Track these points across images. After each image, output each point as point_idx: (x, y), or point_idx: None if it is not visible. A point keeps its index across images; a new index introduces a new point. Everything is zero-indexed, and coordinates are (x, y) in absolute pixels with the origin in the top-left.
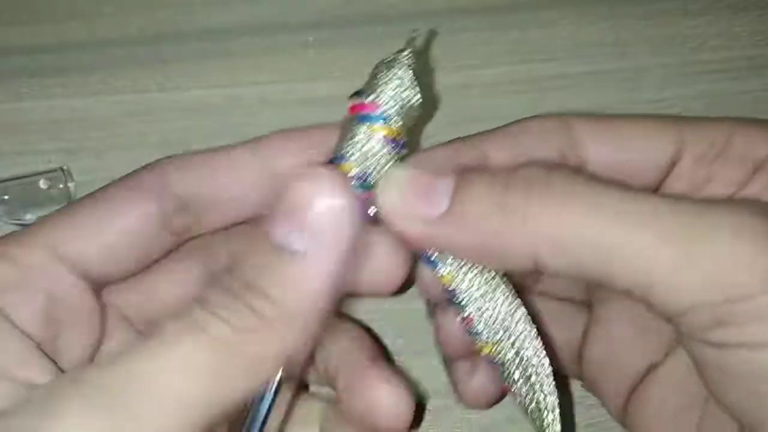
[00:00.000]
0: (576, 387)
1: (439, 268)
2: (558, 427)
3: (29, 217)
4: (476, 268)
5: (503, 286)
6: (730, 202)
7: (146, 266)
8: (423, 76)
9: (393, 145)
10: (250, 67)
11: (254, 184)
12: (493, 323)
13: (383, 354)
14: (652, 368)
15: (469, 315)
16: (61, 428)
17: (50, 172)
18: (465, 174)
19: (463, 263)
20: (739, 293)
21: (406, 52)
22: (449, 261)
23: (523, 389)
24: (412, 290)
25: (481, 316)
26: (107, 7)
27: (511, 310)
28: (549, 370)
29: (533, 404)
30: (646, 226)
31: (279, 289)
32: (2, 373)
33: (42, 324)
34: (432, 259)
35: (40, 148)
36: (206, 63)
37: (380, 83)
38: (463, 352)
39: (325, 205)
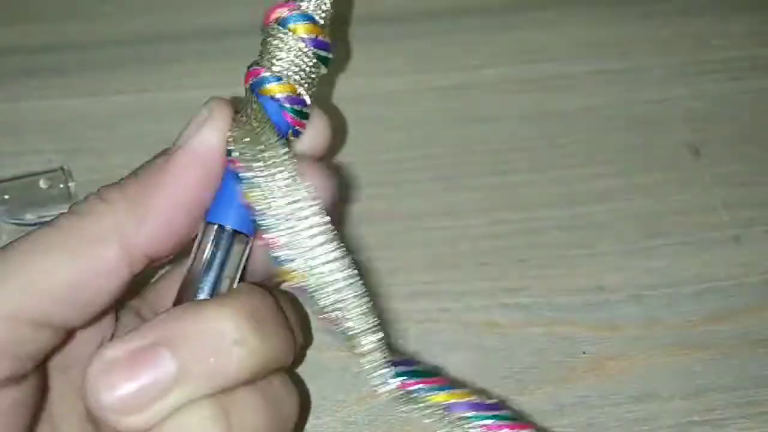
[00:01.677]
0: (577, 386)
1: (244, 185)
2: (377, 355)
3: (29, 217)
4: (286, 187)
5: (311, 209)
6: None
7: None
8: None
9: (290, 102)
10: None
11: None
12: (299, 248)
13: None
14: None
15: (272, 238)
16: None
17: (50, 172)
18: None
19: (271, 182)
20: None
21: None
22: (256, 177)
23: (337, 315)
24: None
25: (286, 240)
26: (107, 7)
27: (318, 238)
28: (363, 295)
29: (349, 333)
30: None
31: (130, 180)
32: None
33: None
34: (239, 175)
35: (40, 148)
36: (206, 63)
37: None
38: None
39: (200, 116)
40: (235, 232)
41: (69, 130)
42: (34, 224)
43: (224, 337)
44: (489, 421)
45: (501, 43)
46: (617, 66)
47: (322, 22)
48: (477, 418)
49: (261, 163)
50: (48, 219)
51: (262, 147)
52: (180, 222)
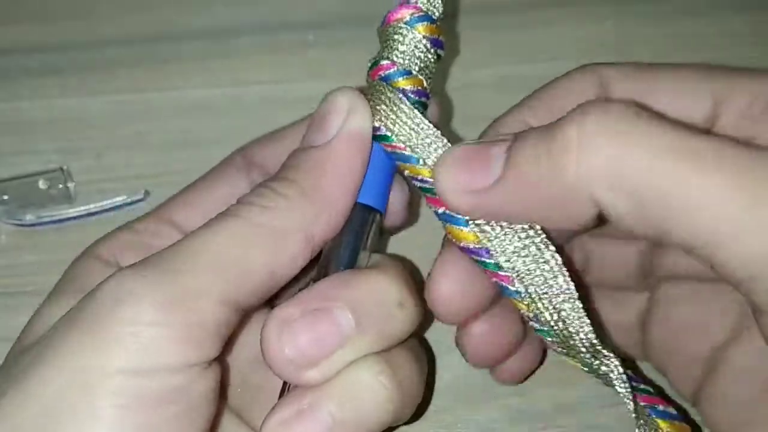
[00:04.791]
0: (580, 386)
1: (463, 227)
2: (618, 377)
3: (29, 217)
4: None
5: (538, 239)
6: None
7: None
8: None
9: (417, 94)
10: (250, 67)
11: None
12: (530, 280)
13: None
14: (720, 353)
15: (504, 274)
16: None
17: (50, 172)
18: (518, 134)
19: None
20: None
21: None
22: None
23: (564, 348)
24: None
25: (516, 273)
26: (107, 7)
27: (548, 267)
28: (588, 327)
29: (582, 361)
30: (714, 171)
31: (298, 174)
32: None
33: None
34: (453, 216)
35: (40, 148)
36: (206, 63)
37: (394, 47)
38: (463, 316)
39: (340, 106)
40: (370, 209)
41: (69, 130)
42: (34, 224)
43: (390, 299)
44: None
45: (501, 43)
46: None
47: (438, 22)
48: None
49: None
50: (48, 219)
51: (415, 129)
52: (348, 205)
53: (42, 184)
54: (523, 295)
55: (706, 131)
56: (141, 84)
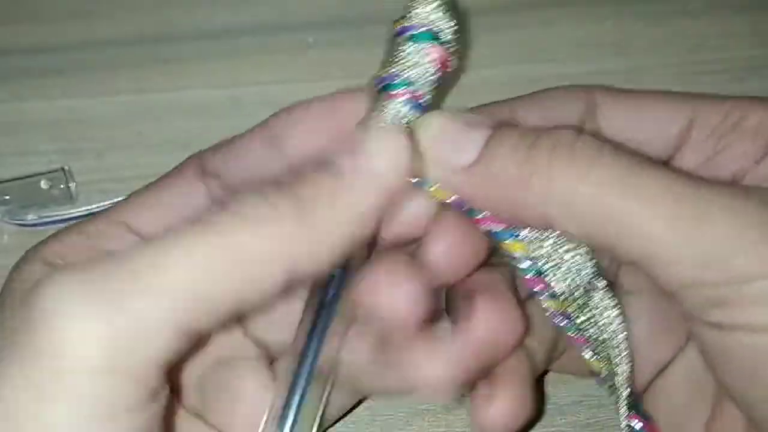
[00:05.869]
0: (576, 385)
1: (508, 239)
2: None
3: (30, 218)
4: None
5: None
6: (740, 186)
7: None
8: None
9: (417, 103)
10: (250, 67)
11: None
12: (566, 281)
13: None
14: (668, 364)
15: (544, 277)
16: (61, 327)
17: (51, 173)
18: (498, 128)
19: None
20: (738, 274)
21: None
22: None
23: (595, 351)
24: None
25: (555, 275)
26: (107, 7)
27: (583, 268)
28: (623, 333)
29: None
30: (655, 201)
31: (305, 189)
32: None
33: None
34: (498, 231)
35: (41, 148)
36: (206, 63)
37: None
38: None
39: (382, 144)
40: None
41: (69, 130)
42: (36, 225)
43: None
44: None
45: (501, 43)
46: (617, 66)
47: (443, 40)
48: None
49: None
50: (49, 219)
51: None
52: (346, 245)
53: (44, 185)
54: (533, 267)
55: (662, 163)
56: (141, 84)
